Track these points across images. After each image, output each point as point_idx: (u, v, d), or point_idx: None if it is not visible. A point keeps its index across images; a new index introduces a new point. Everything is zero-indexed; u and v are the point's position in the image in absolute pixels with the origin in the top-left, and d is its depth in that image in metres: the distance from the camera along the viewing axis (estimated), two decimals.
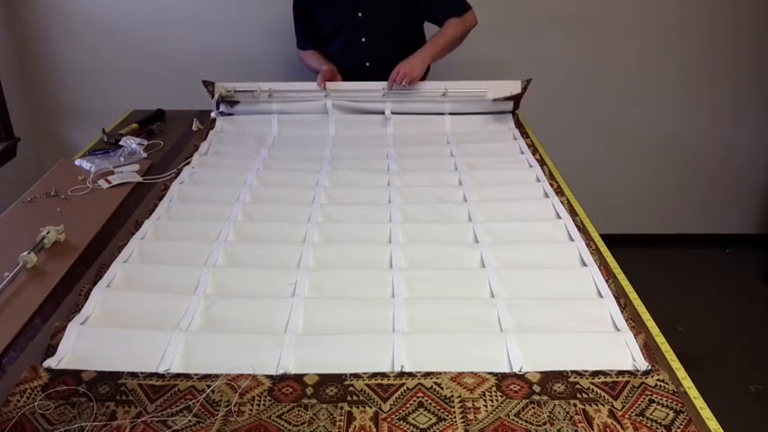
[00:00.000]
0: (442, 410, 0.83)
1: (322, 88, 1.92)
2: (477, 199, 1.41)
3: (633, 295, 1.11)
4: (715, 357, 2.27)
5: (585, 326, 1.00)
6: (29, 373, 0.88)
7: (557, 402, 0.84)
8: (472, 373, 0.88)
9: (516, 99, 1.92)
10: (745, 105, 2.67)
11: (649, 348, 0.95)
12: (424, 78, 1.97)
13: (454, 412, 0.83)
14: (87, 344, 0.95)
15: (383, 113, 1.90)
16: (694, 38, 2.53)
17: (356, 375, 0.88)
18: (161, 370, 0.89)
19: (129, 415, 0.82)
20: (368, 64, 2.04)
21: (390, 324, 1.00)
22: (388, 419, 0.82)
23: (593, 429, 0.80)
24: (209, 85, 1.93)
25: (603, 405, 0.84)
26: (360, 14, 1.96)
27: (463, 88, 1.91)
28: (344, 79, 1.98)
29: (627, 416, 0.82)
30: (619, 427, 0.80)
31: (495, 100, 1.90)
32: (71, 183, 1.52)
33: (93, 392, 0.85)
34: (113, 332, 0.98)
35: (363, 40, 2.00)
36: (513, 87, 1.92)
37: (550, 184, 1.49)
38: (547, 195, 1.44)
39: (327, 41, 2.06)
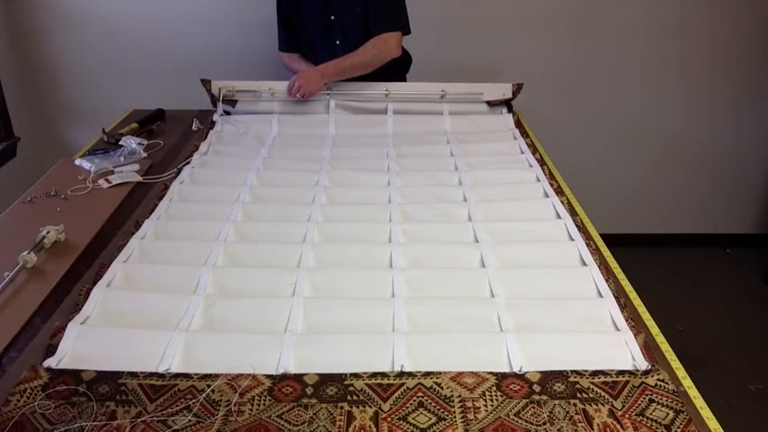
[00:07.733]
0: (442, 410, 0.83)
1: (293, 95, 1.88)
2: (477, 199, 1.41)
3: (633, 295, 1.11)
4: (715, 357, 2.27)
5: (586, 326, 1.00)
6: (29, 372, 0.88)
7: (557, 402, 0.84)
8: (472, 372, 0.88)
9: (508, 102, 1.95)
10: (745, 105, 2.67)
11: (649, 348, 0.95)
12: (404, 79, 1.97)
13: (454, 412, 0.83)
14: (87, 344, 0.95)
15: (385, 112, 1.91)
16: (695, 38, 2.53)
17: (356, 375, 0.88)
18: (161, 370, 0.89)
19: (129, 415, 0.82)
20: None
21: (390, 324, 1.00)
22: (388, 419, 0.82)
23: (593, 429, 0.80)
24: (206, 83, 1.93)
25: (603, 405, 0.84)
26: (332, 17, 1.96)
27: (459, 90, 1.93)
28: None
29: (627, 415, 0.82)
30: (619, 426, 0.81)
31: (489, 102, 1.93)
32: (71, 182, 1.52)
33: (93, 392, 0.85)
34: (113, 332, 0.98)
35: (338, 42, 2.00)
36: (506, 90, 1.95)
37: (550, 183, 1.49)
38: (547, 195, 1.44)
39: (304, 43, 2.06)
